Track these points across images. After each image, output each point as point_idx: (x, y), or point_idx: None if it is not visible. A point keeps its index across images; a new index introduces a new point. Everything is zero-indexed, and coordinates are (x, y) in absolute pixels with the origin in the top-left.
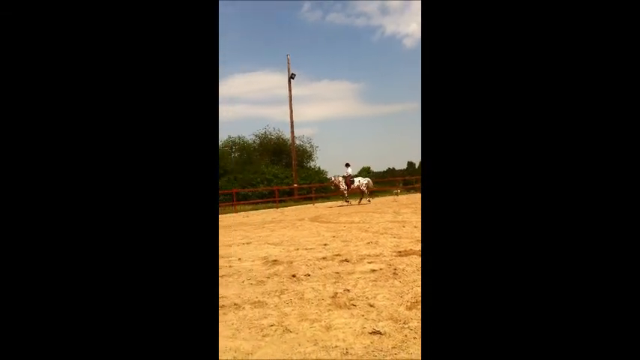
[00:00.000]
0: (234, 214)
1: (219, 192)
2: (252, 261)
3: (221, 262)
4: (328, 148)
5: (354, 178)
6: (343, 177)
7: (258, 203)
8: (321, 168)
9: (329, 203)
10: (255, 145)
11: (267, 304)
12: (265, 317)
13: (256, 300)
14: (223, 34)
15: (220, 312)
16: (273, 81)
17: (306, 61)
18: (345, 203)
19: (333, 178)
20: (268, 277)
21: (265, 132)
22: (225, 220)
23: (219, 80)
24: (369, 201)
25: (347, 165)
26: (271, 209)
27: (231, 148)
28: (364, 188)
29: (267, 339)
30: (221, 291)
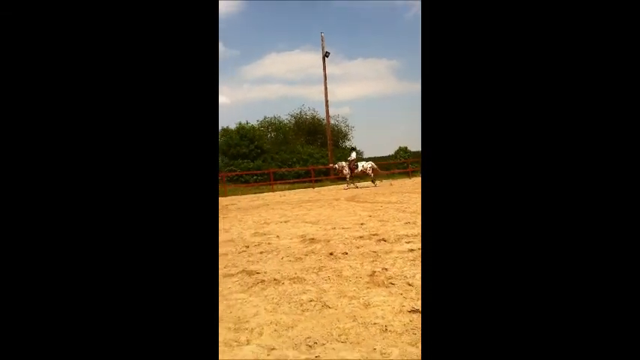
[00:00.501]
0: (271, 194)
1: (256, 172)
2: (290, 239)
3: (260, 239)
4: (363, 127)
5: (358, 163)
6: (347, 161)
7: (294, 183)
8: (357, 148)
9: (364, 184)
10: (290, 125)
11: (305, 280)
12: (304, 293)
13: (295, 276)
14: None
15: (260, 286)
16: (307, 60)
17: (340, 40)
18: (352, 186)
19: (336, 166)
20: (306, 255)
21: (300, 112)
22: (263, 199)
23: (256, 60)
24: (375, 184)
25: (352, 149)
26: (308, 189)
27: (268, 129)
28: (370, 171)
29: (306, 314)
30: (261, 267)
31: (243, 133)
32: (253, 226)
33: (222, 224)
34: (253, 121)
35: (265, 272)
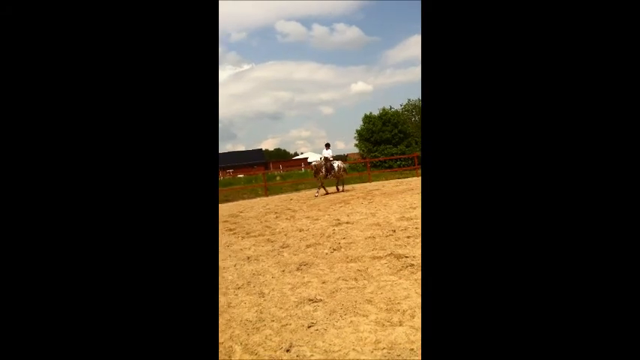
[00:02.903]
0: (415, 178)
1: (400, 156)
2: None
3: (406, 223)
4: None
5: (334, 162)
6: (325, 159)
7: None
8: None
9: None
10: None
11: None
12: None
13: None
14: None
15: (409, 270)
16: None
17: None
18: (322, 192)
19: (315, 162)
20: None
21: None
22: (407, 183)
23: (397, 43)
24: (342, 189)
25: (327, 146)
26: None
27: (412, 112)
28: (343, 173)
29: None
30: (409, 251)
31: (386, 118)
32: (399, 211)
33: (367, 209)
34: (397, 106)
35: (414, 256)
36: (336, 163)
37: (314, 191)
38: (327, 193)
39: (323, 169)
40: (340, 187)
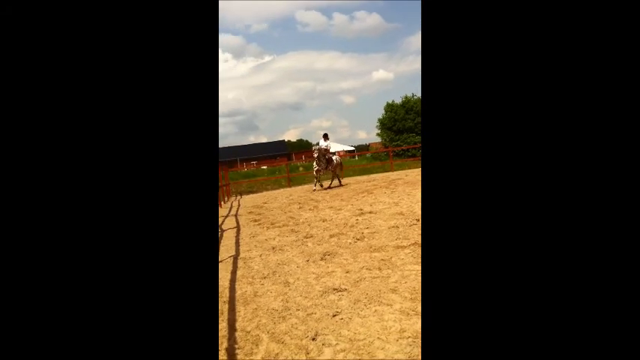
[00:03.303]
0: None
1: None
2: None
3: None
4: None
5: (333, 156)
6: (317, 149)
7: None
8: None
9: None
10: None
11: None
12: None
13: None
14: None
15: None
16: None
17: None
18: (318, 188)
19: (316, 147)
20: None
21: None
22: None
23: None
24: (334, 185)
25: (325, 137)
26: None
27: None
28: (338, 168)
29: None
30: None
31: (409, 106)
32: None
33: (390, 198)
34: (419, 93)
35: None
36: (335, 157)
37: (330, 183)
38: (323, 188)
39: (323, 160)
40: (334, 183)
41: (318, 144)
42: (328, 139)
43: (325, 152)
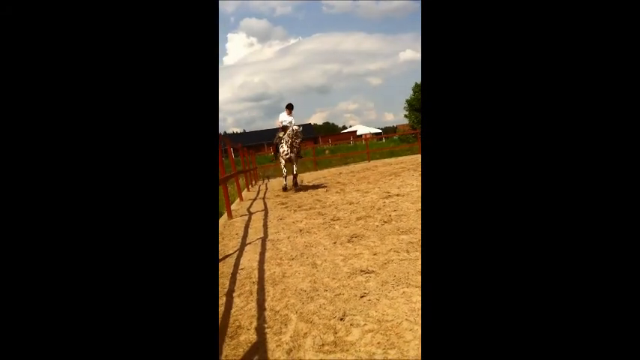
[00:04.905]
0: None
1: None
2: None
3: None
4: None
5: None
6: (283, 132)
7: None
8: None
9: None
10: None
11: None
12: None
13: None
14: None
15: None
16: None
17: None
18: (290, 184)
19: (284, 125)
20: None
21: None
22: None
23: None
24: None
25: (289, 108)
26: None
27: None
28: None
29: None
30: None
31: None
32: None
33: (418, 181)
34: None
35: None
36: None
37: (344, 169)
38: (295, 188)
39: (296, 144)
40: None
41: (288, 124)
42: (292, 111)
43: (292, 136)
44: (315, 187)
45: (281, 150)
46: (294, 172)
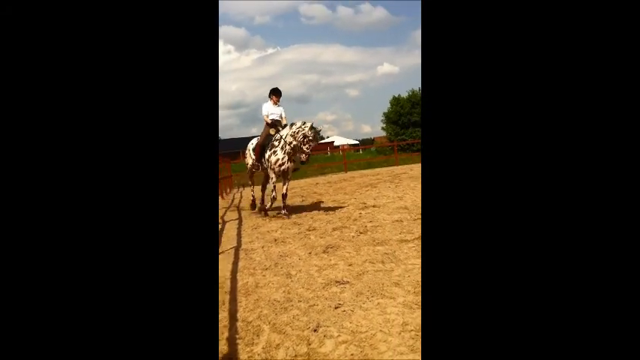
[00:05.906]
0: None
1: None
2: None
3: None
4: None
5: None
6: (281, 135)
7: None
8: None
9: None
10: None
11: None
12: None
13: None
14: None
15: None
16: None
17: None
18: (258, 206)
19: (271, 121)
20: None
21: None
22: None
23: None
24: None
25: (275, 94)
26: None
27: None
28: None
29: None
30: None
31: (416, 100)
32: None
33: (394, 192)
34: None
35: None
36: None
37: (321, 179)
38: (265, 209)
39: (278, 158)
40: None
41: (279, 119)
42: (280, 98)
43: (302, 140)
44: (291, 197)
45: (273, 158)
46: (285, 191)
